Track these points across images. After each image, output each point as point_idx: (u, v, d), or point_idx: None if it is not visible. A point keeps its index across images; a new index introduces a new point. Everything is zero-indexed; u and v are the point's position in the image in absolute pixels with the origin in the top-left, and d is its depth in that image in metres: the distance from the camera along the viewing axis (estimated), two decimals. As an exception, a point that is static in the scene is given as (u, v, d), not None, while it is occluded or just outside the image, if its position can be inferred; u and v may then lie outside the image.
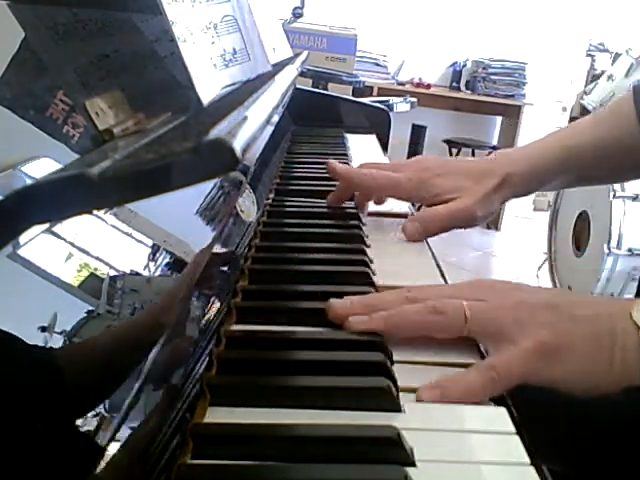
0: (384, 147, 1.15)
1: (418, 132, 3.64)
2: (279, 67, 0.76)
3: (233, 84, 0.54)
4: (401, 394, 0.38)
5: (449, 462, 0.33)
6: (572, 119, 3.92)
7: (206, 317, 0.42)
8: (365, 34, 3.30)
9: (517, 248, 3.57)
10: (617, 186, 2.16)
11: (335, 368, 0.39)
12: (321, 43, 2.78)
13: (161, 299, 0.37)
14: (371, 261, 0.57)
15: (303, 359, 0.40)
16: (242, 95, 0.49)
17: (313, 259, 0.56)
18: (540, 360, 0.40)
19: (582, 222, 2.43)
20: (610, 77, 2.72)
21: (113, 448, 0.26)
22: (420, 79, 3.92)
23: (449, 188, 0.66)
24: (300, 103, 1.14)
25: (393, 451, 0.32)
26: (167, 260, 0.40)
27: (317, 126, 1.21)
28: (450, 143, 3.95)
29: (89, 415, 0.26)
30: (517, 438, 0.35)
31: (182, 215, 0.45)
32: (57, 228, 0.30)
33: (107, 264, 0.34)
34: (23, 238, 0.27)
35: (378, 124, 1.24)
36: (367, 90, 3.25)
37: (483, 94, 3.85)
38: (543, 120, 3.98)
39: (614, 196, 2.17)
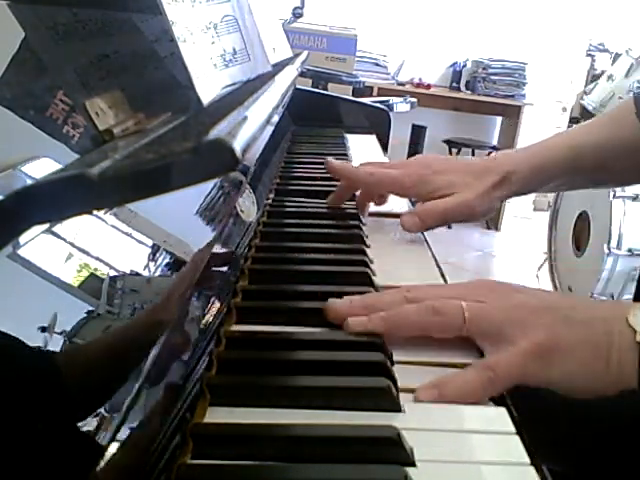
0: (384, 147, 1.15)
1: (418, 132, 3.64)
2: (279, 67, 0.76)
3: (233, 84, 0.54)
4: (401, 394, 0.38)
5: (449, 462, 0.33)
6: (572, 119, 3.92)
7: (206, 317, 0.42)
8: (365, 34, 3.31)
9: (517, 248, 3.57)
10: (617, 186, 2.16)
11: (335, 368, 0.39)
12: (321, 43, 2.78)
13: (160, 298, 0.37)
14: (371, 261, 0.57)
15: (303, 359, 0.40)
16: (242, 95, 0.49)
17: (313, 259, 0.56)
18: (537, 361, 0.40)
19: (582, 222, 2.43)
20: (610, 77, 2.72)
21: (113, 448, 0.26)
22: (420, 79, 3.92)
23: (448, 184, 0.66)
24: (300, 103, 1.14)
25: (393, 451, 0.32)
26: (167, 260, 0.40)
27: (317, 126, 1.21)
28: (450, 143, 3.95)
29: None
30: (517, 438, 0.35)
31: (182, 215, 0.45)
32: (57, 228, 0.30)
33: (107, 264, 0.34)
34: (23, 238, 0.27)
35: (378, 124, 1.24)
36: (367, 90, 3.25)
37: (483, 94, 3.85)
38: (543, 120, 3.98)
39: (614, 196, 2.17)
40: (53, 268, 0.30)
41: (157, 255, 0.39)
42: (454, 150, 3.95)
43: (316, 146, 1.05)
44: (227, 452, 0.33)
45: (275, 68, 0.72)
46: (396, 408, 0.37)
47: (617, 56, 3.02)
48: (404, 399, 0.37)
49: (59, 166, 0.33)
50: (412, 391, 0.38)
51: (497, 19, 3.85)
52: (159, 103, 0.48)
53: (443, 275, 0.57)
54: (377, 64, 3.83)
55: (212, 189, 0.50)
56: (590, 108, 2.75)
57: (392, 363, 0.41)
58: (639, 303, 0.42)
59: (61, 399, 0.26)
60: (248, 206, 0.61)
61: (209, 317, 0.42)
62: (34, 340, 0.26)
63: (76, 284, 0.31)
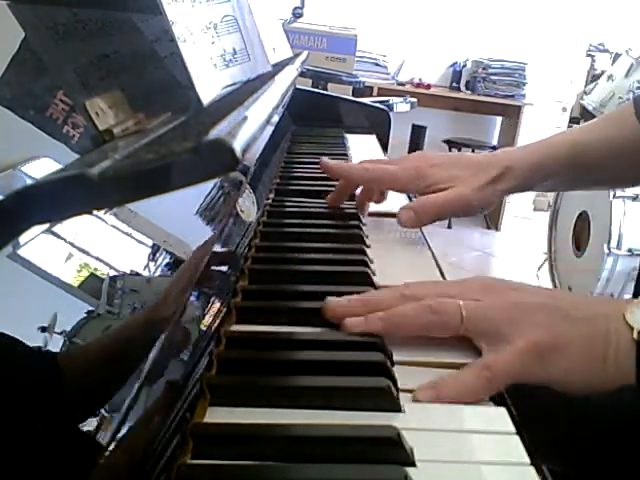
0: (384, 147, 1.15)
1: (418, 132, 3.64)
2: (279, 67, 0.76)
3: (233, 84, 0.54)
4: (401, 394, 0.38)
5: (449, 462, 0.33)
6: (572, 119, 3.92)
7: (206, 317, 0.42)
8: (365, 34, 3.30)
9: (517, 248, 3.57)
10: (617, 186, 2.16)
11: (335, 368, 0.39)
12: (321, 43, 2.78)
13: (159, 296, 0.37)
14: (371, 261, 0.57)
15: (303, 359, 0.40)
16: (242, 95, 0.49)
17: (313, 259, 0.56)
18: (534, 360, 0.40)
19: (582, 222, 2.43)
20: (610, 77, 2.72)
21: (113, 448, 0.26)
22: (420, 79, 3.92)
23: (445, 177, 0.66)
24: (300, 103, 1.14)
25: (393, 451, 0.32)
26: (167, 260, 0.40)
27: (317, 126, 1.20)
28: (450, 143, 3.95)
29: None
30: (517, 438, 0.35)
31: (182, 215, 0.45)
32: (57, 228, 0.30)
33: (107, 264, 0.34)
34: (23, 238, 0.27)
35: (378, 124, 1.24)
36: (367, 90, 3.24)
37: (483, 94, 3.85)
38: (543, 120, 3.98)
39: (614, 196, 2.17)
40: (53, 268, 0.30)
41: (157, 255, 0.39)
42: (454, 150, 3.95)
43: (316, 146, 1.05)
44: (227, 452, 0.33)
45: (275, 68, 0.72)
46: (396, 408, 0.37)
47: (617, 56, 3.01)
48: (404, 399, 0.37)
49: (59, 166, 0.33)
50: (412, 391, 0.39)
51: (497, 19, 3.85)
52: (159, 103, 0.48)
53: (443, 275, 0.57)
54: (377, 64, 3.83)
55: (212, 189, 0.50)
56: (590, 108, 2.75)
57: (392, 363, 0.41)
58: (637, 300, 0.42)
59: (61, 400, 0.26)
60: (248, 206, 0.61)
61: (209, 317, 0.42)
62: (34, 340, 0.26)
63: (76, 284, 0.31)
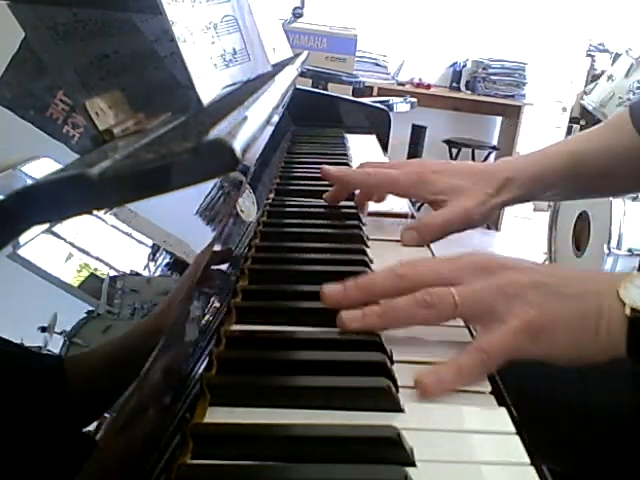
0: (384, 147, 1.15)
1: (418, 132, 3.64)
2: (279, 67, 0.76)
3: (233, 84, 0.54)
4: (401, 392, 0.38)
5: (449, 462, 0.33)
6: (572, 119, 3.92)
7: (206, 317, 0.42)
8: (365, 34, 3.30)
9: (517, 248, 3.57)
10: (617, 186, 2.16)
11: (335, 368, 0.39)
12: (321, 43, 2.78)
13: (161, 305, 0.37)
14: (371, 261, 0.57)
15: (303, 359, 0.40)
16: (242, 95, 0.49)
17: (313, 259, 0.56)
18: (527, 339, 0.41)
19: (582, 222, 2.43)
20: (610, 77, 2.72)
21: (113, 448, 0.26)
22: (420, 79, 3.92)
23: (446, 187, 0.66)
24: (300, 103, 1.14)
25: (393, 451, 0.32)
26: (167, 260, 0.40)
27: (317, 126, 1.20)
28: (450, 143, 3.95)
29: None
30: (517, 438, 0.35)
31: (182, 215, 0.45)
32: (57, 228, 0.30)
33: (107, 264, 0.34)
34: (23, 238, 0.27)
35: (378, 124, 1.24)
36: (367, 90, 3.24)
37: (483, 94, 3.85)
38: (543, 120, 3.98)
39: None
40: (53, 268, 0.30)
41: (157, 255, 0.39)
42: (454, 150, 3.95)
43: (316, 146, 1.05)
44: (227, 452, 0.33)
45: (275, 68, 0.72)
46: (396, 408, 0.37)
47: (617, 56, 3.02)
48: (404, 398, 0.38)
49: (59, 166, 0.33)
50: (413, 388, 0.39)
51: (497, 19, 3.85)
52: (159, 103, 0.48)
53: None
54: (377, 64, 3.83)
55: (212, 189, 0.50)
56: (590, 108, 2.75)
57: (392, 363, 0.41)
58: (630, 276, 0.43)
59: (65, 402, 0.26)
60: (248, 206, 0.61)
61: (209, 317, 0.42)
62: (34, 340, 0.26)
63: (76, 284, 0.31)
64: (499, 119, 4.17)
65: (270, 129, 0.74)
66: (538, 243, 3.08)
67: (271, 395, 0.37)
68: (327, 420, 0.35)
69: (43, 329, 0.26)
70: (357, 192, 0.73)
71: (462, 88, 3.96)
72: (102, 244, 0.34)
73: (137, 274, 0.36)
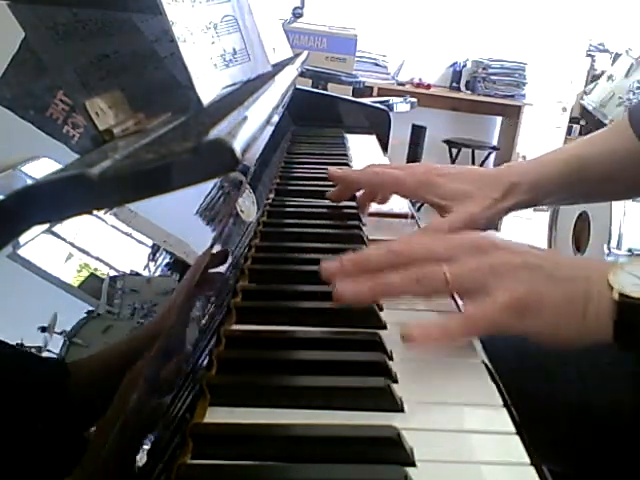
0: (384, 147, 1.15)
1: (418, 132, 3.64)
2: (279, 67, 0.76)
3: (233, 84, 0.54)
4: (401, 393, 0.38)
5: (449, 462, 0.33)
6: (572, 119, 3.93)
7: (206, 317, 0.42)
8: (365, 34, 3.31)
9: (517, 248, 3.57)
10: (617, 186, 2.15)
11: (335, 368, 0.39)
12: (321, 43, 2.78)
13: (162, 310, 0.36)
14: (371, 261, 0.57)
15: (303, 359, 0.40)
16: (242, 95, 0.49)
17: (313, 259, 0.56)
18: (513, 314, 0.42)
19: (582, 222, 2.43)
20: (610, 77, 2.72)
21: (113, 448, 0.26)
22: (420, 79, 3.92)
23: (452, 191, 0.66)
24: (300, 103, 1.14)
25: (393, 451, 0.32)
26: (167, 260, 0.40)
27: (317, 126, 1.20)
28: (450, 143, 3.95)
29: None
30: (517, 438, 0.35)
31: (182, 215, 0.45)
32: (57, 228, 0.30)
33: (107, 264, 0.34)
34: (23, 238, 0.27)
35: (378, 124, 1.24)
36: (367, 90, 3.25)
37: (483, 94, 3.85)
38: (543, 120, 3.98)
39: (614, 196, 2.17)
40: (53, 268, 0.30)
41: (157, 255, 0.39)
42: (454, 150, 3.95)
43: (316, 146, 1.05)
44: (227, 452, 0.33)
45: (275, 68, 0.72)
46: (396, 408, 0.37)
47: (617, 56, 3.02)
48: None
49: (59, 166, 0.33)
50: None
51: (497, 19, 3.85)
52: (159, 103, 0.48)
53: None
54: (377, 64, 3.83)
55: (212, 189, 0.50)
56: (590, 108, 2.75)
57: (391, 359, 0.41)
58: (622, 264, 0.43)
59: (64, 404, 0.26)
60: (248, 206, 0.61)
61: (209, 317, 0.42)
62: (34, 340, 0.26)
63: (76, 284, 0.31)
64: (499, 119, 4.17)
65: (270, 129, 0.74)
66: (538, 243, 3.08)
67: (271, 395, 0.37)
68: (327, 420, 0.35)
69: (43, 329, 0.26)
70: (359, 193, 0.72)
71: (462, 88, 3.96)
72: (102, 244, 0.34)
73: (137, 274, 0.36)
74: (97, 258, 0.33)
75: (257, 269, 0.54)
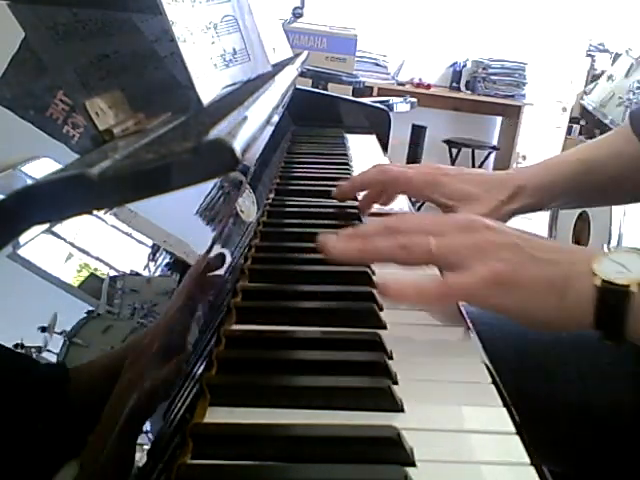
0: (384, 147, 1.15)
1: (418, 132, 3.64)
2: (279, 67, 0.76)
3: (233, 84, 0.54)
4: (401, 393, 0.38)
5: (449, 462, 0.33)
6: (572, 119, 3.92)
7: (206, 317, 0.42)
8: (365, 34, 3.30)
9: (517, 248, 3.57)
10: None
11: (335, 368, 0.39)
12: (321, 43, 2.78)
13: (163, 314, 0.36)
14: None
15: (303, 359, 0.40)
16: (242, 95, 0.49)
17: (313, 259, 0.56)
18: (491, 289, 0.43)
19: (582, 222, 2.43)
20: (610, 77, 2.72)
21: (112, 448, 0.26)
22: (420, 79, 3.92)
23: (458, 191, 0.66)
24: (300, 103, 1.14)
25: (393, 451, 0.32)
26: (167, 260, 0.40)
27: (317, 126, 1.20)
28: (450, 143, 3.95)
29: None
30: (517, 438, 0.35)
31: (182, 215, 0.45)
32: (57, 228, 0.30)
33: (107, 264, 0.34)
34: (23, 238, 0.27)
35: (378, 124, 1.24)
36: (367, 90, 3.24)
37: (483, 94, 3.85)
38: (543, 120, 3.98)
39: (614, 196, 2.16)
40: (53, 268, 0.30)
41: (157, 255, 0.39)
42: (454, 150, 3.95)
43: (316, 146, 1.05)
44: (227, 452, 0.33)
45: (275, 68, 0.72)
46: (396, 408, 0.37)
47: (617, 56, 3.02)
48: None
49: (59, 166, 0.33)
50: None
51: (497, 19, 3.85)
52: (159, 103, 0.48)
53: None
54: (377, 64, 3.83)
55: (212, 189, 0.50)
56: (590, 108, 2.75)
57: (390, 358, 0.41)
58: (605, 253, 0.43)
59: (64, 407, 0.26)
60: (248, 206, 0.61)
61: (209, 317, 0.42)
62: (34, 340, 0.26)
63: (76, 284, 0.31)
64: (499, 119, 4.17)
65: (270, 129, 0.74)
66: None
67: (271, 395, 0.37)
68: (327, 420, 0.35)
69: (43, 329, 0.26)
70: (362, 194, 0.72)
71: (462, 88, 3.96)
72: (102, 244, 0.34)
73: (137, 274, 0.36)
74: (97, 258, 0.33)
75: (257, 269, 0.54)
